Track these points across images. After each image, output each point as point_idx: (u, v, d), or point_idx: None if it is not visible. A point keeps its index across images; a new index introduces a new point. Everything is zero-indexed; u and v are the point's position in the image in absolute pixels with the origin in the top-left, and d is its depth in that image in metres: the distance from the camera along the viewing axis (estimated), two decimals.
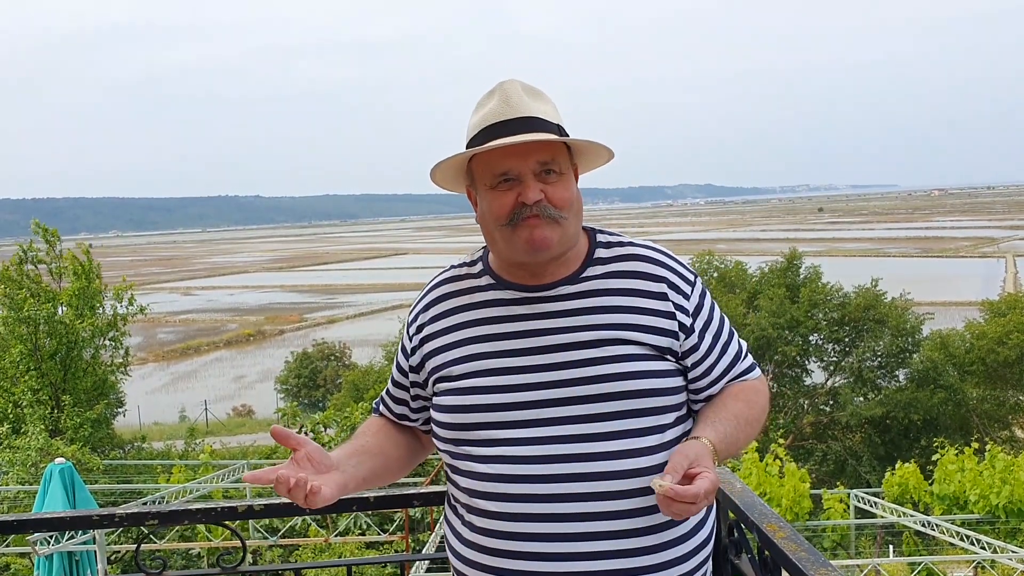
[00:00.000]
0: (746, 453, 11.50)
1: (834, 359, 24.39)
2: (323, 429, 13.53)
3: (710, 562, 1.66)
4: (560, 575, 1.51)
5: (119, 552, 10.31)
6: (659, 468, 1.46)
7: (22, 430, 15.25)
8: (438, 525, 9.34)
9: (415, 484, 8.64)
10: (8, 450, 14.07)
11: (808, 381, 24.72)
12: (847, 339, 23.99)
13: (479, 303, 1.65)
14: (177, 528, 10.30)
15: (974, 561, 10.02)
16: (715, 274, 26.49)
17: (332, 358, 38.29)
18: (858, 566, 10.10)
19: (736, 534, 1.89)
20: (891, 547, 12.19)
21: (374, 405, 1.86)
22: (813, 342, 24.34)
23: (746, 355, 1.71)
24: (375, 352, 34.10)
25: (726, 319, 1.70)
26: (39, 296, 18.46)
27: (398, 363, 1.77)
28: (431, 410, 1.68)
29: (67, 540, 6.89)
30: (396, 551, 9.91)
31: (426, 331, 1.69)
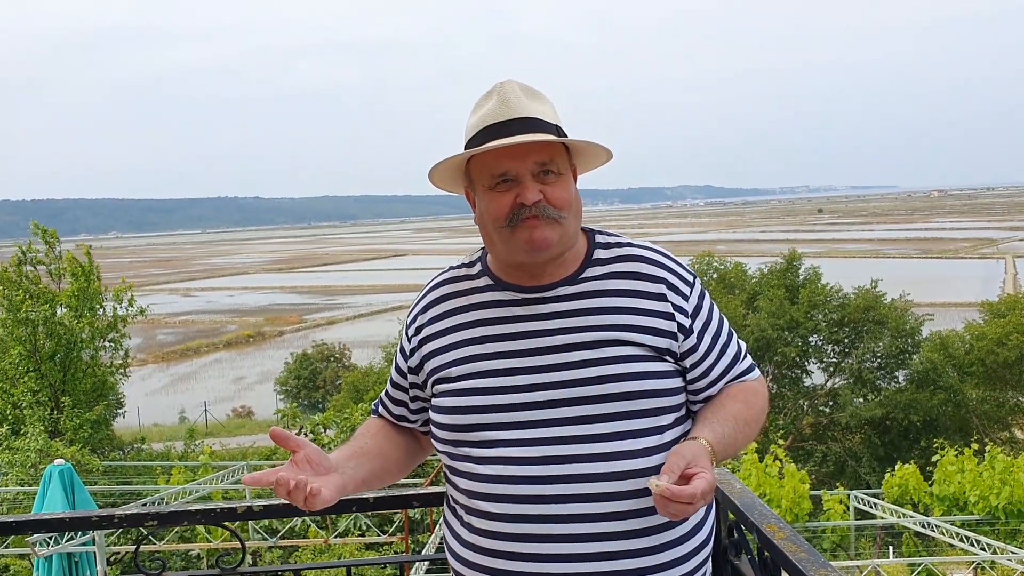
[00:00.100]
0: (746, 454, 11.50)
1: (834, 360, 24.39)
2: (323, 430, 13.53)
3: (710, 563, 1.66)
4: None
5: (119, 553, 10.31)
6: (658, 469, 1.46)
7: (21, 431, 15.23)
8: (437, 526, 9.34)
9: (414, 485, 8.64)
10: (7, 451, 14.06)
11: (808, 382, 24.71)
12: (847, 340, 23.99)
13: (478, 304, 1.64)
14: (176, 529, 10.29)
15: (974, 562, 10.01)
16: (715, 275, 26.49)
17: (332, 359, 38.29)
18: (858, 567, 10.09)
19: (736, 535, 1.89)
20: (891, 548, 12.19)
21: (373, 406, 1.86)
22: (813, 343, 24.34)
23: (745, 356, 1.71)
24: (375, 353, 34.09)
25: (725, 320, 1.70)
26: (38, 297, 18.45)
27: (397, 364, 1.77)
28: (430, 411, 1.68)
29: (66, 541, 6.89)
30: (396, 552, 9.91)
31: (425, 332, 1.68)
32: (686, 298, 1.62)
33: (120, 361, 20.54)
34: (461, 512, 1.63)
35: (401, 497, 2.23)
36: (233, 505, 2.19)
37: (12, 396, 17.79)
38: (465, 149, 1.59)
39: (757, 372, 1.74)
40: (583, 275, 1.62)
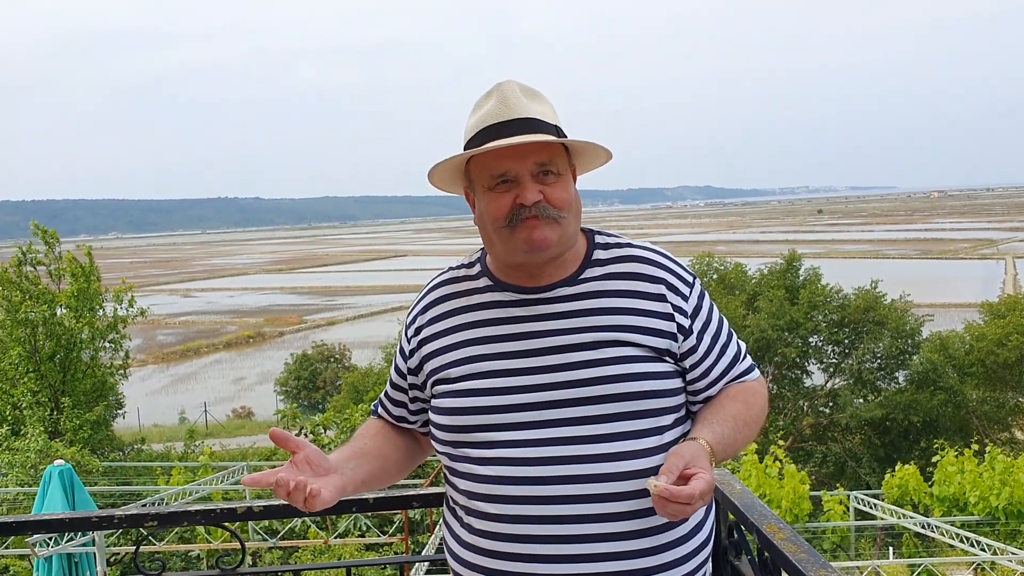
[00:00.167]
0: (745, 455, 11.50)
1: (834, 361, 24.39)
2: (323, 431, 13.51)
3: (709, 563, 1.66)
4: None
5: (118, 554, 10.30)
6: (659, 470, 1.46)
7: (21, 432, 15.22)
8: (437, 527, 9.33)
9: (414, 486, 8.64)
10: (7, 452, 14.06)
11: (808, 383, 24.72)
12: (847, 341, 23.99)
13: (477, 305, 1.64)
14: (176, 530, 10.28)
15: (974, 563, 10.01)
16: (715, 276, 26.49)
17: (332, 360, 38.28)
18: (858, 568, 10.09)
19: (736, 535, 1.89)
20: (891, 549, 12.18)
21: (373, 407, 1.85)
22: (813, 344, 24.35)
23: (745, 356, 1.71)
24: (375, 354, 34.09)
25: (725, 320, 1.70)
26: (38, 298, 18.44)
27: (396, 365, 1.77)
28: (430, 412, 1.68)
29: (66, 542, 6.88)
30: (395, 553, 9.90)
31: (424, 333, 1.68)
32: (686, 298, 1.62)
33: (120, 362, 20.53)
34: (460, 513, 1.63)
35: (401, 498, 2.23)
36: (233, 506, 2.19)
37: (12, 397, 17.78)
38: (464, 149, 1.59)
39: (757, 372, 1.74)
40: (583, 276, 1.62)
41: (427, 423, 1.71)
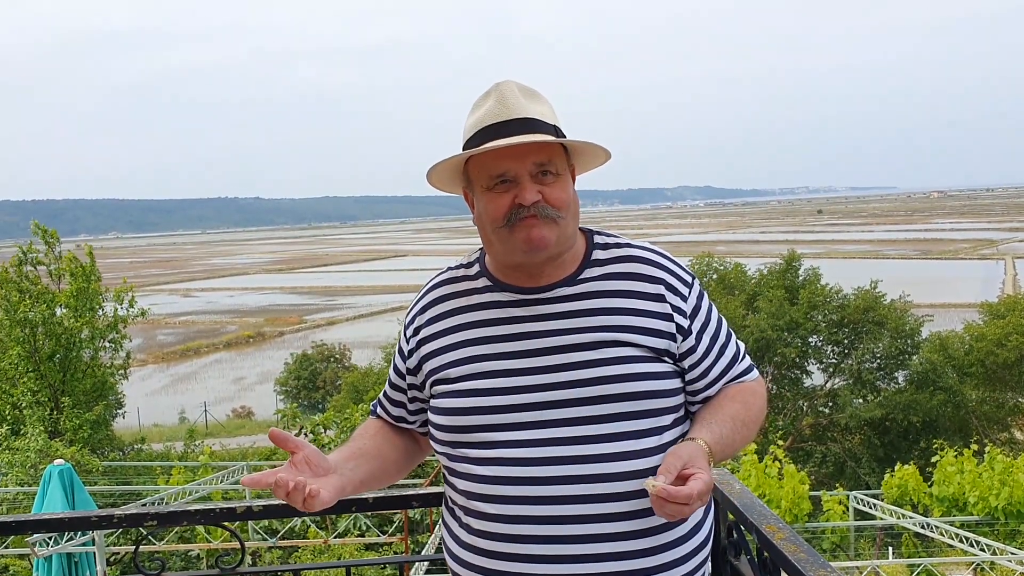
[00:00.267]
0: (745, 455, 11.50)
1: (833, 361, 24.40)
2: (323, 431, 13.50)
3: (709, 563, 1.66)
4: None
5: (118, 553, 10.29)
6: (657, 470, 1.46)
7: (21, 432, 15.23)
8: (437, 526, 9.33)
9: (414, 485, 8.64)
10: (7, 452, 14.05)
11: (807, 383, 24.72)
12: (846, 341, 23.99)
13: (476, 305, 1.64)
14: (176, 529, 10.29)
15: (973, 563, 10.01)
16: (714, 276, 26.50)
17: (332, 360, 38.27)
18: (857, 568, 10.09)
19: (735, 535, 1.89)
20: (890, 549, 12.19)
21: (371, 407, 1.85)
22: (812, 344, 24.35)
23: (744, 356, 1.71)
24: (375, 354, 34.09)
25: (724, 320, 1.70)
26: (37, 298, 18.44)
27: (395, 365, 1.77)
28: (428, 412, 1.68)
29: (66, 541, 6.88)
30: (395, 552, 9.89)
31: (423, 333, 1.68)
32: (684, 299, 1.62)
33: (121, 362, 20.53)
34: (459, 513, 1.63)
35: (400, 497, 2.23)
36: (232, 505, 2.19)
37: (12, 396, 17.78)
38: (463, 150, 1.58)
39: (756, 373, 1.73)
40: (581, 276, 1.61)
41: (426, 423, 1.71)
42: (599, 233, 1.69)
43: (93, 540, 7.20)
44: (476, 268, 1.69)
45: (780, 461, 11.64)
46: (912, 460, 14.61)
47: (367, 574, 9.63)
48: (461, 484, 1.60)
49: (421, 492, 2.23)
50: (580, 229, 1.65)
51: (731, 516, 1.89)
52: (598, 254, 1.64)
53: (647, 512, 1.49)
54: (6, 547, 9.83)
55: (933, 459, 12.21)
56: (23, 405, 17.00)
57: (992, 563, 9.85)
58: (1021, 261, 65.39)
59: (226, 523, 2.21)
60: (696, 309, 1.63)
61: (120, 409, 23.22)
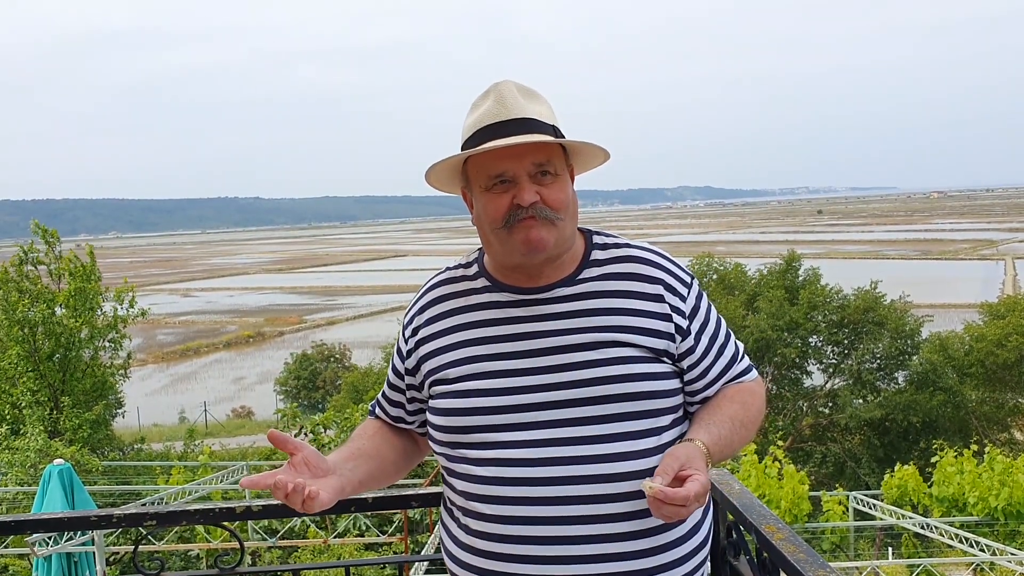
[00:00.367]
0: (745, 455, 11.49)
1: (833, 361, 24.38)
2: (323, 430, 13.50)
3: (708, 563, 1.66)
4: None
5: (118, 553, 10.30)
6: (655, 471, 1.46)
7: (21, 431, 15.23)
8: (436, 526, 9.33)
9: (413, 485, 8.63)
10: (7, 451, 14.05)
11: (807, 383, 24.70)
12: (846, 341, 23.98)
13: (475, 305, 1.64)
14: (176, 529, 10.29)
15: (973, 563, 10.01)
16: (714, 276, 26.47)
17: (332, 360, 38.26)
18: (857, 568, 10.09)
19: (735, 535, 1.89)
20: (890, 549, 12.18)
21: (370, 408, 1.85)
22: (812, 344, 24.33)
23: (743, 357, 1.71)
24: (375, 354, 34.09)
25: (723, 321, 1.70)
26: (36, 297, 18.43)
27: (394, 366, 1.76)
28: (427, 413, 1.68)
29: (66, 541, 6.88)
30: (395, 552, 9.89)
31: (422, 334, 1.68)
32: (683, 299, 1.62)
33: (121, 361, 20.52)
34: (458, 514, 1.63)
35: (400, 497, 2.23)
36: (232, 505, 2.19)
37: (11, 396, 17.78)
38: (462, 150, 1.58)
39: (755, 373, 1.73)
40: (580, 276, 1.61)
41: (425, 423, 1.70)
42: (598, 233, 1.68)
43: (93, 540, 7.20)
44: (475, 268, 1.69)
45: (780, 461, 11.64)
46: (912, 460, 14.61)
47: (367, 574, 9.62)
48: (460, 485, 1.60)
49: (420, 492, 2.23)
50: (579, 229, 1.65)
51: (730, 516, 1.89)
52: (597, 254, 1.64)
53: (646, 513, 1.49)
54: (6, 547, 9.82)
55: (933, 459, 12.20)
56: (23, 405, 17.00)
57: (992, 563, 9.85)
58: (1021, 261, 65.39)
59: (225, 523, 2.20)
60: (695, 309, 1.63)
61: (120, 409, 23.20)
